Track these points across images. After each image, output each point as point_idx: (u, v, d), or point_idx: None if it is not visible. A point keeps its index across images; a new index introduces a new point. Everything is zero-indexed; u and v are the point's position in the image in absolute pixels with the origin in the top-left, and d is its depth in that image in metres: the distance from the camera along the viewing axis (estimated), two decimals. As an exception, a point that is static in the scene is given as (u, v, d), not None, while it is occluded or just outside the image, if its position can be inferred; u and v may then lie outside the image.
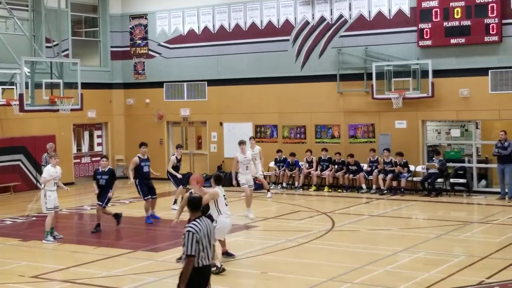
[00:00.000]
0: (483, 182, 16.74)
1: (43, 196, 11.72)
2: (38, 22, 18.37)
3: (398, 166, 16.73)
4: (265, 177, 18.45)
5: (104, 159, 12.68)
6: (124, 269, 9.51)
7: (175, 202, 14.71)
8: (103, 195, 12.43)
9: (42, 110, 16.20)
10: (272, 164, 18.56)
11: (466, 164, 16.71)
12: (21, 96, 15.26)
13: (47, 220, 11.54)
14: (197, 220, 5.98)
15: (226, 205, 9.36)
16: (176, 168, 14.53)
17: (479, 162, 16.81)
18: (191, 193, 9.16)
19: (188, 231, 5.87)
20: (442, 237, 11.47)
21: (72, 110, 16.28)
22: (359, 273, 9.07)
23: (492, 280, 8.63)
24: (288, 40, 18.64)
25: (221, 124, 19.80)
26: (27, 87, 15.41)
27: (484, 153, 17.24)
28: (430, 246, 10.68)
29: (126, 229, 12.73)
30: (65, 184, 12.75)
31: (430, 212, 14.45)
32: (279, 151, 18.42)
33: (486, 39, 16.02)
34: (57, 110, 16.15)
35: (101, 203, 12.41)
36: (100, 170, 12.52)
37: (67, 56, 19.22)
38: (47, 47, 18.66)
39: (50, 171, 11.59)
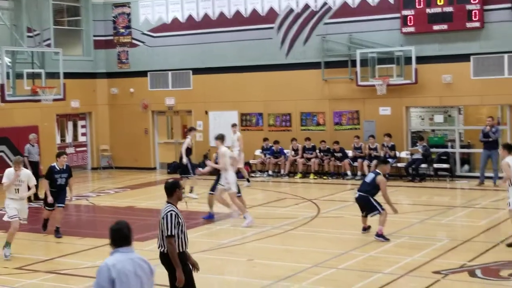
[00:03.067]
0: (466, 167, 16.90)
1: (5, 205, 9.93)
2: (18, 11, 18.08)
3: (386, 148, 16.77)
4: (250, 165, 18.53)
5: (65, 156, 11.08)
6: (110, 259, 9.46)
7: (191, 190, 14.60)
8: (61, 195, 10.94)
9: (24, 101, 16.05)
10: (258, 152, 18.59)
11: (449, 150, 16.86)
12: (2, 86, 15.11)
13: (9, 230, 9.80)
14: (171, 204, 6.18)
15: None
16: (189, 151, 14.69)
17: (462, 147, 16.97)
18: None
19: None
20: (426, 221, 11.59)
21: (54, 100, 16.16)
22: (344, 258, 9.15)
23: (474, 263, 8.76)
24: (272, 28, 18.59)
25: (206, 112, 19.75)
26: (8, 77, 15.25)
27: (466, 138, 17.40)
28: (413, 230, 10.79)
29: (110, 219, 12.63)
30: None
31: (414, 197, 14.59)
32: (265, 139, 18.44)
33: (468, 25, 16.10)
34: (39, 101, 16.02)
35: (62, 205, 10.98)
36: (58, 168, 10.85)
37: (49, 45, 18.97)
38: (28, 36, 18.38)
39: (11, 175, 9.72)
